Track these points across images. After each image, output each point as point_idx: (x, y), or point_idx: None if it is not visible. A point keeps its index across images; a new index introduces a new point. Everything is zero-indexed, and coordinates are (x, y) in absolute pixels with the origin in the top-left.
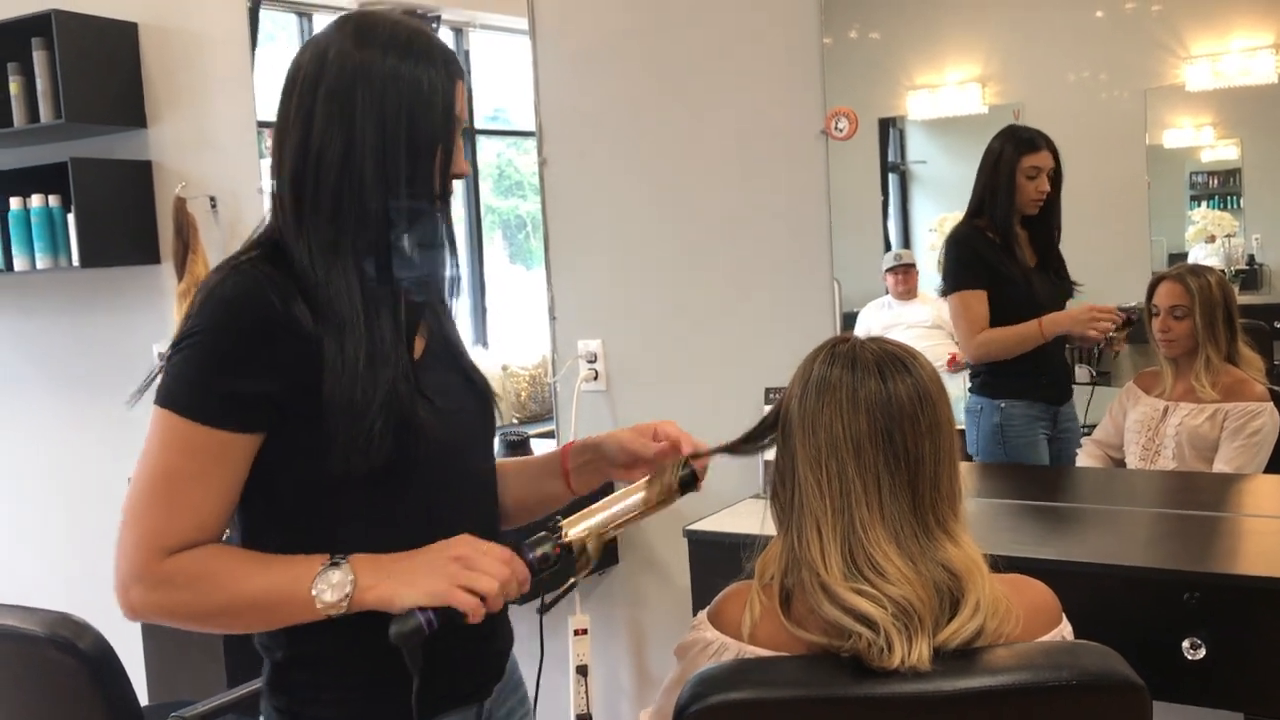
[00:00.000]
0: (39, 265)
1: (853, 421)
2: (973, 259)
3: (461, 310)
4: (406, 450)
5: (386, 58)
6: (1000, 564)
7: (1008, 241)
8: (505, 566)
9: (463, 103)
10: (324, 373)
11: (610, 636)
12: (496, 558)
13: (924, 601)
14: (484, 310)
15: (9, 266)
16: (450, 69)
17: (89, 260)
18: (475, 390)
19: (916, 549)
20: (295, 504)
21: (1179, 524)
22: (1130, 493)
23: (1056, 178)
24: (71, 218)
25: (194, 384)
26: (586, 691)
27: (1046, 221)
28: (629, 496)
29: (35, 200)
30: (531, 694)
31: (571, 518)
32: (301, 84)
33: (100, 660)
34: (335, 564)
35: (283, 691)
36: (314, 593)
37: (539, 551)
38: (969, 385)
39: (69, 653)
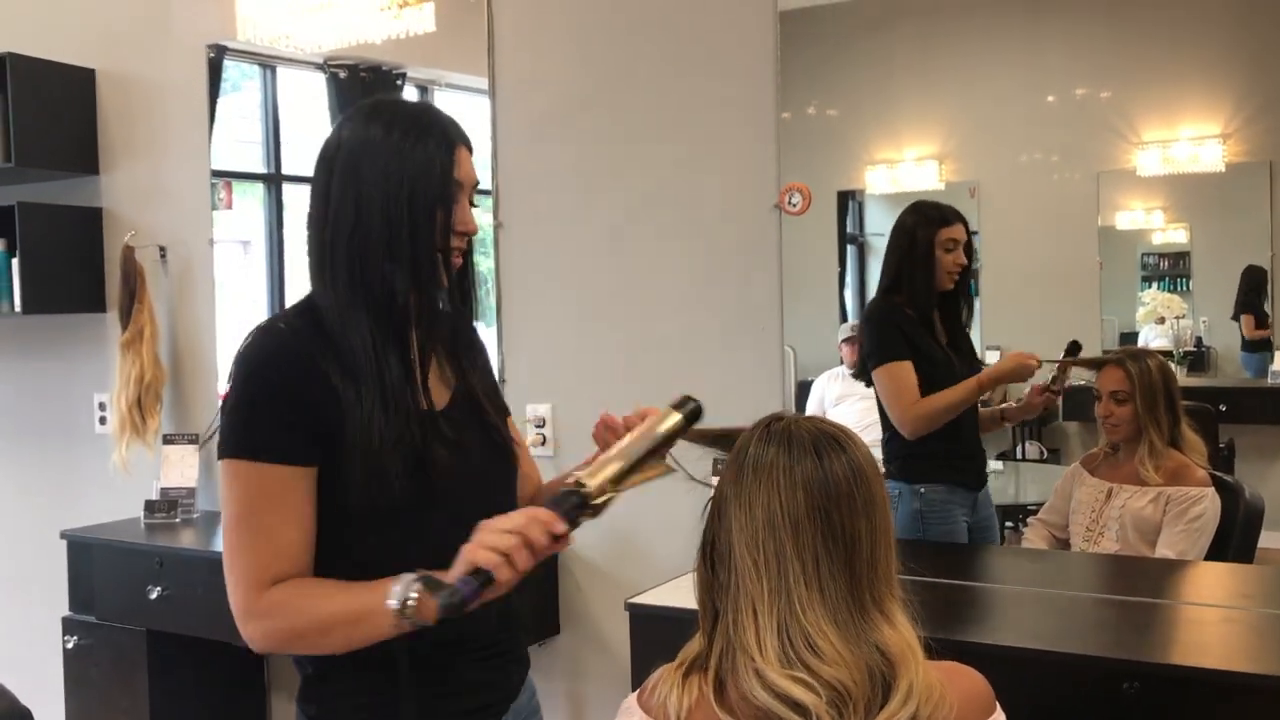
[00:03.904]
0: None
1: (791, 500)
2: (893, 332)
3: None
4: (424, 487)
5: (390, 135)
6: (934, 647)
7: (925, 317)
8: (520, 516)
9: (466, 167)
10: (345, 420)
11: (549, 710)
12: (513, 516)
13: (858, 685)
14: None
15: None
16: (449, 138)
17: (31, 306)
18: (491, 437)
19: (853, 630)
20: (329, 537)
21: (1119, 611)
22: (1070, 576)
23: (969, 251)
24: (16, 262)
25: (243, 430)
26: None
27: (957, 298)
28: (641, 439)
29: None
30: None
31: (591, 470)
32: (322, 163)
33: None
34: (404, 582)
35: (312, 700)
36: (388, 604)
37: (562, 507)
38: (884, 470)
39: None
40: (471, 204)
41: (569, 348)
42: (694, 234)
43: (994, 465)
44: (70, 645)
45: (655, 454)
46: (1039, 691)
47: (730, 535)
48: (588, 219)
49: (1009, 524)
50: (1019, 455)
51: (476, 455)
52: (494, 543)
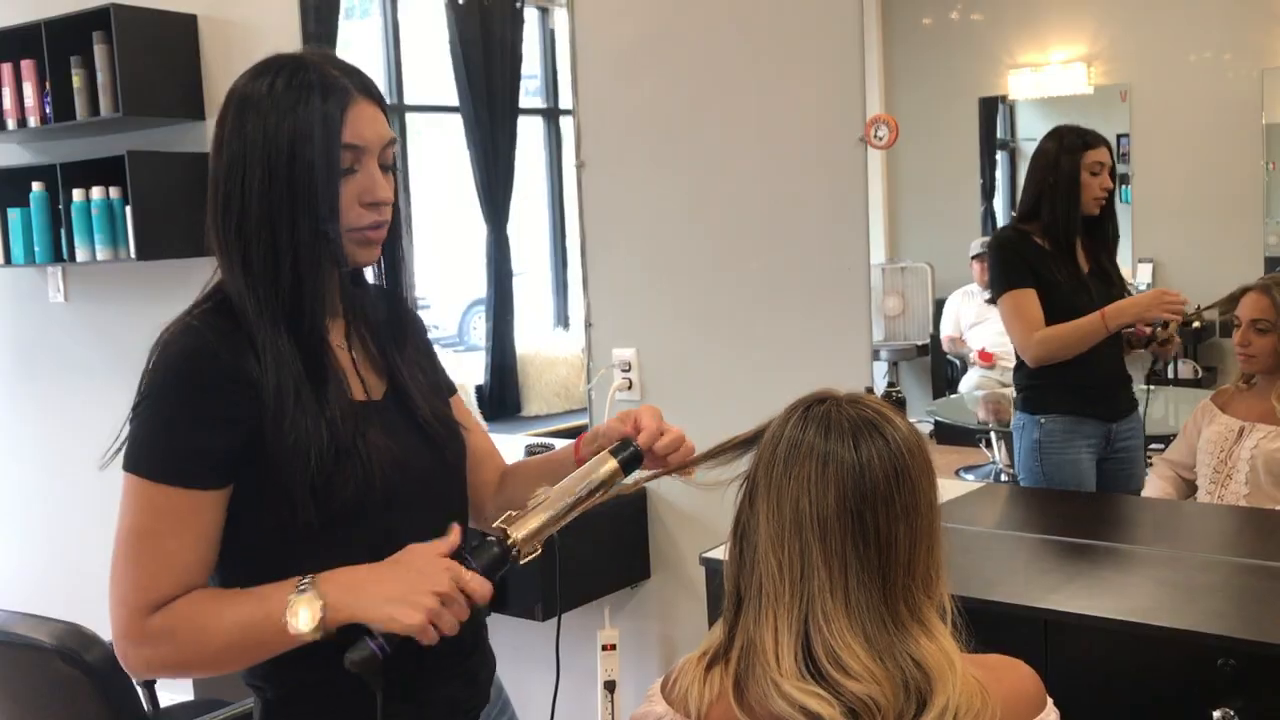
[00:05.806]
0: (99, 257)
1: (821, 498)
2: (1016, 261)
3: (542, 287)
4: (357, 490)
5: (271, 96)
6: (997, 614)
7: (1065, 245)
8: (446, 582)
9: (368, 125)
10: (266, 427)
11: (640, 652)
12: (472, 592)
13: (890, 700)
14: (565, 286)
15: (71, 257)
16: (339, 99)
17: (145, 253)
18: (426, 431)
19: (885, 642)
20: (257, 555)
21: (1228, 575)
22: (1179, 531)
23: (1113, 175)
24: (129, 210)
25: (152, 447)
26: (613, 708)
27: (1103, 226)
28: (576, 486)
29: (96, 193)
30: (548, 711)
31: (519, 519)
32: (215, 132)
33: (106, 674)
34: (303, 590)
35: None
36: (287, 622)
37: (483, 560)
38: (1014, 400)
39: (75, 665)
40: (385, 167)
41: (653, 290)
42: (777, 170)
43: (1140, 388)
44: None
45: (586, 503)
46: (1122, 662)
47: (758, 526)
48: (670, 157)
49: (1148, 459)
50: (1170, 376)
51: (413, 452)
52: (439, 620)
